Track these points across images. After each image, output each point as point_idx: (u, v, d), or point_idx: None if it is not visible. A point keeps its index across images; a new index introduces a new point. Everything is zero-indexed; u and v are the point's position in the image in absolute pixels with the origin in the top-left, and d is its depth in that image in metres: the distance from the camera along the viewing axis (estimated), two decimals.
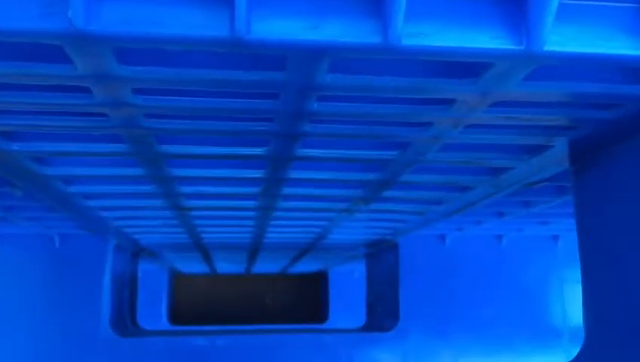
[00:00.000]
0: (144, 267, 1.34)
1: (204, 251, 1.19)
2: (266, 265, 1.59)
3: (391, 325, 1.03)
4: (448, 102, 0.34)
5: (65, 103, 0.34)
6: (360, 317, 1.33)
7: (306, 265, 1.61)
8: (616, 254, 0.44)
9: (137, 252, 1.16)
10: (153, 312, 1.53)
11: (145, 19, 0.26)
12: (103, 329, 0.96)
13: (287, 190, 0.59)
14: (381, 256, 1.15)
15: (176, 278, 1.85)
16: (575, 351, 0.47)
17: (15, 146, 0.42)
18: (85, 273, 0.96)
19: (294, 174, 0.52)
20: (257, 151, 0.45)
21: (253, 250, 1.16)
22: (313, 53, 0.28)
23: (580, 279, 0.48)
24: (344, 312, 1.63)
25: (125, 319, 1.11)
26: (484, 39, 0.27)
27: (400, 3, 0.26)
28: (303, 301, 1.95)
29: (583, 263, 0.48)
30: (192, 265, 1.62)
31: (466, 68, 0.31)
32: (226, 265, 1.63)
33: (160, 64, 0.30)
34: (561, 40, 0.28)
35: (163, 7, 0.26)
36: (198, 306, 1.94)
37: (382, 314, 1.14)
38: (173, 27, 0.26)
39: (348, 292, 1.63)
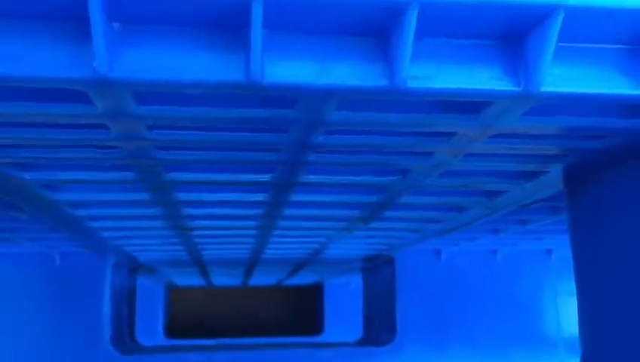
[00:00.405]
0: (140, 281, 1.34)
1: (202, 266, 1.20)
2: (262, 278, 1.60)
3: (388, 339, 1.04)
4: (449, 135, 0.36)
5: (80, 138, 0.35)
6: (356, 329, 1.34)
7: (302, 278, 1.61)
8: (610, 271, 0.46)
9: (135, 268, 1.17)
10: (149, 326, 1.54)
11: (164, 66, 0.27)
12: (103, 347, 0.96)
13: (288, 211, 0.60)
14: (377, 269, 1.16)
15: (172, 291, 1.86)
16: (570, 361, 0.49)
17: (27, 175, 0.43)
18: (85, 291, 0.97)
19: (296, 197, 0.53)
20: (262, 177, 0.46)
21: (251, 264, 1.18)
22: (323, 95, 0.29)
23: (576, 296, 0.50)
24: (340, 324, 1.64)
25: (124, 335, 1.12)
26: (484, 80, 0.29)
27: (406, 48, 0.27)
28: (298, 313, 1.96)
29: (577, 280, 0.50)
30: (188, 279, 1.63)
31: (467, 105, 0.32)
32: (222, 279, 1.64)
33: (175, 103, 0.31)
34: (558, 81, 0.29)
35: (180, 54, 0.27)
36: (194, 319, 1.94)
37: (379, 327, 1.15)
38: (191, 73, 0.27)
39: (343, 304, 1.64)
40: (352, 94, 0.29)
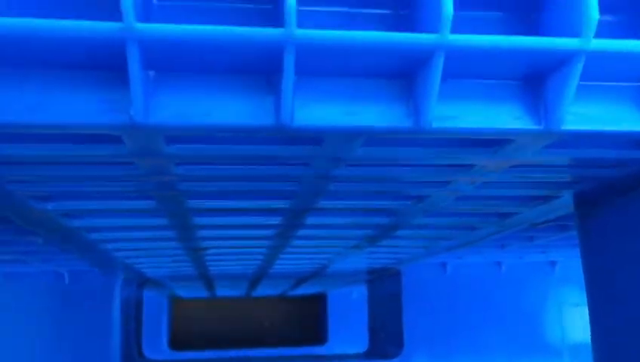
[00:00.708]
0: (146, 294, 1.35)
1: (208, 280, 1.20)
2: (266, 289, 1.60)
3: (395, 351, 1.05)
4: (468, 167, 0.37)
5: (107, 175, 0.36)
6: (359, 338, 1.34)
7: (306, 288, 1.62)
8: (620, 288, 0.46)
9: (142, 283, 1.17)
10: (154, 338, 1.54)
11: (196, 111, 0.28)
12: None
13: (301, 232, 0.61)
14: (383, 281, 1.17)
15: (176, 302, 1.86)
16: None
17: (50, 206, 0.44)
18: (95, 308, 0.97)
19: (310, 220, 0.54)
20: (280, 204, 0.47)
21: (257, 278, 1.18)
22: (350, 136, 0.30)
23: (588, 315, 0.50)
24: (344, 334, 1.64)
25: (132, 350, 1.12)
26: (506, 120, 0.30)
27: (432, 91, 0.28)
28: (302, 322, 1.96)
29: (589, 296, 0.50)
30: (192, 291, 1.63)
31: (488, 141, 0.33)
32: (226, 290, 1.64)
33: (204, 142, 0.32)
34: (578, 119, 0.30)
35: (213, 99, 0.28)
36: (198, 330, 1.94)
37: (385, 339, 1.16)
38: (223, 117, 0.28)
39: (347, 313, 1.64)
40: (378, 134, 0.29)
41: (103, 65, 0.27)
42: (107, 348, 0.97)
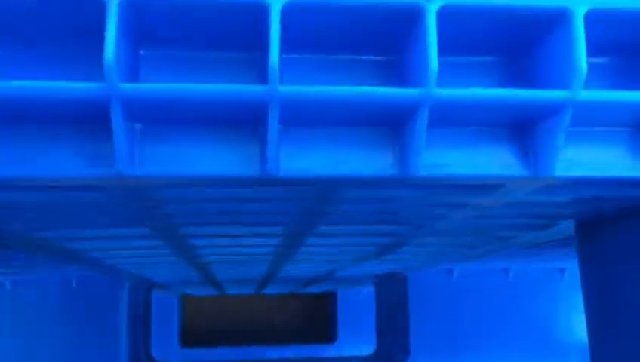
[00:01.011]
0: (155, 294, 1.36)
1: (216, 283, 1.21)
2: (275, 288, 1.61)
3: (402, 357, 1.05)
4: (462, 205, 0.37)
5: (98, 213, 0.36)
6: (368, 337, 1.34)
7: (316, 287, 1.62)
8: (619, 308, 0.46)
9: (150, 286, 1.18)
10: (165, 337, 1.55)
11: (182, 162, 0.28)
12: None
13: (303, 249, 0.61)
14: (390, 286, 1.17)
15: (186, 299, 1.87)
16: None
17: (48, 235, 0.44)
18: (102, 312, 0.98)
19: (311, 241, 0.54)
20: (277, 230, 0.47)
21: (264, 281, 1.19)
22: (337, 184, 0.30)
23: (587, 330, 0.50)
24: (353, 332, 1.65)
25: (140, 353, 1.13)
26: (495, 167, 0.30)
27: (419, 142, 0.28)
28: (312, 320, 1.97)
29: (588, 315, 0.50)
30: (201, 290, 1.64)
31: (479, 185, 0.33)
32: (236, 289, 1.65)
33: (192, 186, 0.32)
34: (569, 166, 0.30)
35: (198, 149, 0.28)
36: (208, 326, 1.95)
37: (392, 344, 1.16)
38: (208, 168, 0.28)
39: (357, 311, 1.65)
40: (365, 183, 0.29)
41: (89, 119, 0.27)
42: (114, 351, 0.98)
